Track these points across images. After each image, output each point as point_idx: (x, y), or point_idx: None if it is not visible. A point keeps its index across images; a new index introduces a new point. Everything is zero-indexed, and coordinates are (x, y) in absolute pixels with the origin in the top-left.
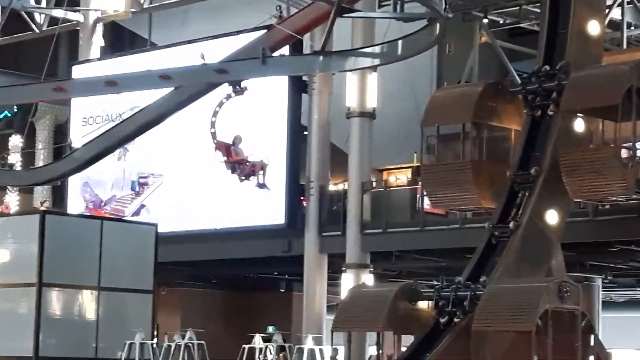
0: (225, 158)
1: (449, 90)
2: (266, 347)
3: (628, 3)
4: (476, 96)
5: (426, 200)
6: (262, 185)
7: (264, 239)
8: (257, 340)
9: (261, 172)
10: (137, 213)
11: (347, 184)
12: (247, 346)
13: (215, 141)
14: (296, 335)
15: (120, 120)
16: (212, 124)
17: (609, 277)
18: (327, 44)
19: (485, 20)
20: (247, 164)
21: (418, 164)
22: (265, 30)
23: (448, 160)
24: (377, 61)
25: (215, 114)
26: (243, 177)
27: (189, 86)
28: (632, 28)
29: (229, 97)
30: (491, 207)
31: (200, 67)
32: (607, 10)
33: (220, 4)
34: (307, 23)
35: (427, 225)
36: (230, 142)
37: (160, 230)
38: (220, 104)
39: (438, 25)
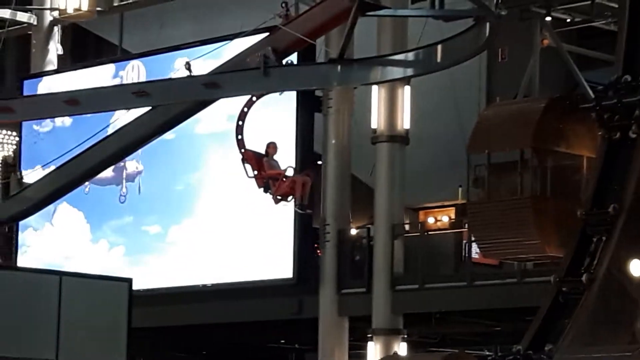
0: (255, 172)
1: (502, 108)
2: None
3: None
4: (537, 115)
5: (474, 248)
6: (304, 207)
7: (268, 298)
8: None
9: (301, 190)
10: None
11: (372, 227)
12: None
13: (242, 151)
14: None
15: (84, 148)
16: (239, 129)
17: None
18: (346, 49)
19: (549, 19)
20: (285, 180)
21: (464, 201)
22: (267, 33)
23: (502, 196)
24: (410, 71)
25: (242, 115)
26: (279, 197)
27: (172, 105)
28: None
29: (260, 94)
30: (558, 256)
31: (185, 80)
32: None
33: (210, 1)
34: (321, 23)
35: (476, 280)
36: (263, 152)
37: (135, 287)
38: (250, 104)
39: (488, 25)
